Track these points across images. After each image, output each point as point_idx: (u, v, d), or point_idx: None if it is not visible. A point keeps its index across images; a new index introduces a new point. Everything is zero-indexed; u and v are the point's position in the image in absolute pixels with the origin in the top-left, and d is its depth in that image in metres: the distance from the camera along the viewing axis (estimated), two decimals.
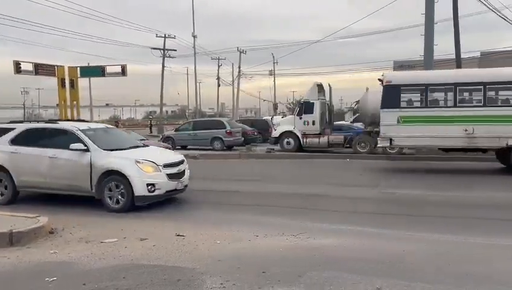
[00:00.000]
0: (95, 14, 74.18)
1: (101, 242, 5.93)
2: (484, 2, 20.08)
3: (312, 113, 20.02)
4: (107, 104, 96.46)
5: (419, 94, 13.05)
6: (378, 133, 18.10)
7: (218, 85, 53.74)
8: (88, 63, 30.09)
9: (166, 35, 43.78)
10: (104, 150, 8.36)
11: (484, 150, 13.10)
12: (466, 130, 11.99)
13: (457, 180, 11.55)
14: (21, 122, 10.89)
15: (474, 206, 8.28)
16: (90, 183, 8.22)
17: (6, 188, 8.92)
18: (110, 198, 8.12)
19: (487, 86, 12.07)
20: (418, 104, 13.06)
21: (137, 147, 9.54)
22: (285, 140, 20.11)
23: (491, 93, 12.37)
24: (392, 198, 9.47)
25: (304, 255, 5.24)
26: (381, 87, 13.16)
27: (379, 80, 13.59)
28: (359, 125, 23.17)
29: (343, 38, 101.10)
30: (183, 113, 70.44)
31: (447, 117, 12.31)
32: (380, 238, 6.22)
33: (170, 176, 8.37)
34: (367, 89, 21.27)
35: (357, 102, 22.58)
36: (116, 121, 21.12)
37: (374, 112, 20.01)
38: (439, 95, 13.07)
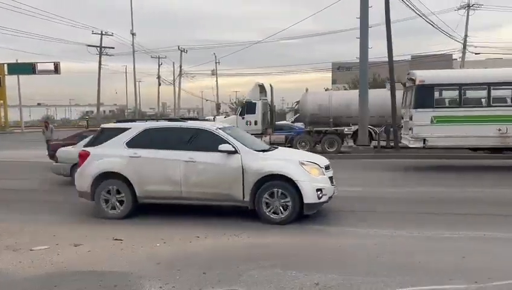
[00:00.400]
0: (25, 9, 69.57)
1: (31, 250, 5.57)
2: (413, 8, 21.39)
3: (254, 113, 20.20)
4: (38, 104, 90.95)
5: (452, 94, 12.94)
6: (318, 132, 18.86)
7: (159, 84, 52.69)
8: (16, 60, 28.22)
9: (104, 33, 42.16)
10: (255, 151, 7.21)
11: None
12: (500, 130, 12.10)
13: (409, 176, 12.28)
14: (133, 120, 8.78)
15: (423, 202, 8.65)
16: (243, 191, 6.91)
17: (121, 200, 7.30)
18: (267, 207, 6.82)
19: (497, 86, 12.53)
20: (452, 104, 12.93)
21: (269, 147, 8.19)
22: None
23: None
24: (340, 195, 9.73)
25: (246, 254, 5.26)
26: (323, 90, 13.49)
27: (410, 79, 13.38)
28: (300, 125, 23.77)
29: (286, 39, 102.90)
30: (122, 113, 68.20)
31: (481, 117, 12.24)
32: (322, 234, 6.40)
33: (331, 180, 7.23)
34: (306, 89, 21.87)
35: (297, 102, 23.10)
36: (45, 121, 19.72)
37: (313, 112, 20.67)
38: (473, 95, 12.99)
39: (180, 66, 52.43)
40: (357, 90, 20.05)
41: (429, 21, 27.41)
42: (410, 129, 12.84)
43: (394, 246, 5.65)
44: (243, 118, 20.41)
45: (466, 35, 34.58)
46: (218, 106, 55.58)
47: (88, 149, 7.63)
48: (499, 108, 12.39)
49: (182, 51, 50.95)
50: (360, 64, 19.29)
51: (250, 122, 20.08)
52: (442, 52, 38.94)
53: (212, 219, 7.31)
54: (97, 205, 7.38)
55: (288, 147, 19.48)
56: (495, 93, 12.61)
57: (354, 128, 19.24)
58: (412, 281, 4.27)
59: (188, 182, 7.07)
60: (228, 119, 23.62)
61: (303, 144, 18.70)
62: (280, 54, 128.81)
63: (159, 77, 52.42)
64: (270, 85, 21.67)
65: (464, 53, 35.23)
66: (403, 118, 14.28)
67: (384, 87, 20.31)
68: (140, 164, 7.23)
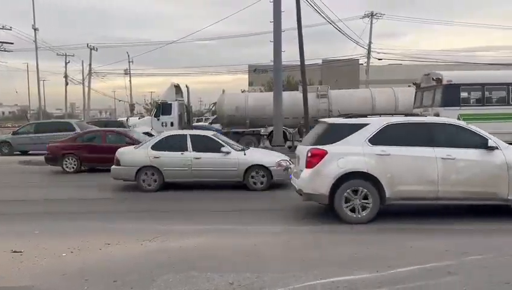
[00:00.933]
0: None
1: None
2: (322, 15, 22.50)
3: (170, 114, 19.84)
4: None
5: (477, 93, 13.73)
6: (235, 133, 19.02)
7: (66, 84, 49.18)
8: None
9: (1, 26, 38.36)
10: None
11: None
12: None
13: None
14: (364, 116, 7.49)
15: None
16: (508, 188, 6.59)
17: (365, 204, 6.65)
18: None
19: None
20: (476, 102, 13.75)
21: None
22: None
23: None
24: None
25: (159, 259, 5.12)
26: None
27: (434, 79, 13.75)
28: (217, 126, 23.79)
29: (201, 40, 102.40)
30: (24, 114, 62.65)
31: (502, 114, 13.24)
32: (235, 234, 6.44)
33: None
34: (223, 91, 21.97)
35: (214, 104, 23.09)
36: None
37: (230, 114, 20.80)
38: (494, 94, 14.01)
39: (90, 65, 49.54)
40: (272, 92, 20.59)
41: (337, 27, 29.11)
42: None
43: (305, 242, 5.90)
44: (158, 120, 19.96)
45: (370, 42, 37.25)
46: (132, 107, 53.50)
47: (324, 148, 6.80)
48: (502, 107, 13.51)
49: (91, 49, 48.16)
50: (274, 67, 19.81)
51: (165, 123, 19.68)
52: (350, 57, 41.50)
53: (124, 224, 7.02)
54: (338, 209, 6.71)
55: None
56: (505, 93, 13.72)
57: (269, 129, 19.72)
58: (322, 273, 4.48)
59: (447, 180, 6.64)
60: (143, 121, 22.93)
61: None
62: (197, 54, 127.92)
63: (66, 76, 48.96)
64: (186, 86, 21.44)
65: (368, 58, 37.90)
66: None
67: (298, 90, 21.11)
68: (391, 162, 6.66)
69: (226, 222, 7.13)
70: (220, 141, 10.35)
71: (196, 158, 9.99)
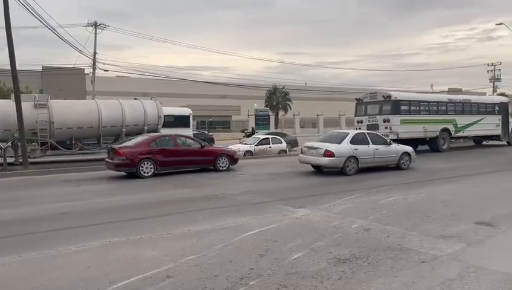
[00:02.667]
0: None
1: None
2: (38, 17, 20.36)
3: None
4: None
5: (410, 106, 21.46)
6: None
7: None
8: None
9: None
10: None
11: (425, 140, 22.10)
12: (424, 128, 21.32)
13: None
14: None
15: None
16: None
17: None
18: None
19: (430, 103, 22.45)
20: (410, 112, 21.32)
21: None
22: None
23: (433, 108, 22.29)
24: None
25: None
26: None
27: (385, 96, 21.11)
28: None
29: None
30: None
31: (426, 120, 21.71)
32: None
33: None
34: None
35: None
36: None
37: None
38: (421, 107, 21.96)
39: None
40: None
41: (57, 33, 26.94)
42: (389, 128, 20.18)
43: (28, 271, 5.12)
44: None
45: (95, 52, 36.16)
46: None
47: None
48: (423, 115, 21.67)
49: None
50: None
51: None
52: (74, 66, 39.17)
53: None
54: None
55: None
56: (423, 107, 21.98)
57: None
58: None
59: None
60: None
61: None
62: None
63: None
64: None
65: (94, 68, 36.71)
66: (358, 123, 22.12)
67: (9, 98, 18.39)
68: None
69: None
70: (383, 136, 15.75)
71: (376, 149, 14.48)
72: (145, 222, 7.73)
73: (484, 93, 52.68)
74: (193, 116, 28.79)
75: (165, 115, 22.03)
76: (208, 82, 53.86)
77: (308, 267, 5.09)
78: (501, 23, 41.51)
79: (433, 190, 10.83)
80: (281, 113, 51.31)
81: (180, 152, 14.70)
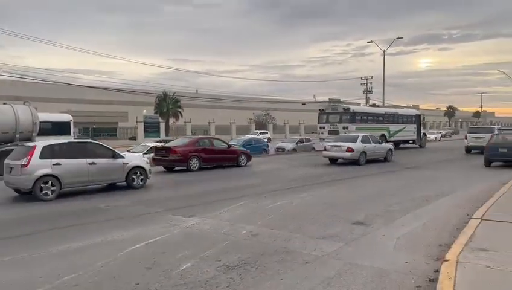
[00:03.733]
0: None
1: None
2: None
3: None
4: None
5: (363, 116, 27.82)
6: None
7: None
8: None
9: None
10: None
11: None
12: (370, 134, 22.47)
13: None
14: None
15: None
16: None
17: None
18: None
19: (374, 115, 29.30)
20: (362, 121, 27.40)
21: None
22: None
23: (376, 118, 28.89)
24: None
25: None
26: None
27: (345, 108, 27.42)
28: None
29: None
30: None
31: (375, 127, 27.32)
32: None
33: None
34: None
35: None
36: None
37: None
38: (370, 118, 28.57)
39: None
40: None
41: None
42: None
43: None
44: None
45: None
46: None
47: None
48: (370, 124, 27.70)
49: None
50: None
51: None
52: None
53: None
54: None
55: None
56: (370, 118, 28.59)
57: None
58: None
59: None
60: None
61: None
62: None
63: None
64: None
65: None
66: (321, 128, 27.51)
67: None
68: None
69: None
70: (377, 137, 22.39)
71: (375, 146, 20.32)
72: (13, 242, 6.91)
73: (361, 104, 58.26)
74: (74, 122, 26.72)
75: (41, 122, 20.03)
76: (91, 86, 50.54)
77: (197, 277, 5.03)
78: (372, 41, 46.14)
79: (319, 192, 11.57)
80: (171, 120, 50.38)
81: (215, 151, 18.56)
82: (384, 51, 44.11)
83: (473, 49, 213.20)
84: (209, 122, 54.45)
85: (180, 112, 51.65)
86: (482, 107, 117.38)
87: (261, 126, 60.21)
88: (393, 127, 29.80)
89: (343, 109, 27.43)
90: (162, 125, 46.84)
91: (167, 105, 50.11)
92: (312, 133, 45.04)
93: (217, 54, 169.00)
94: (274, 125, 64.15)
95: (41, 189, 10.65)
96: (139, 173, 12.68)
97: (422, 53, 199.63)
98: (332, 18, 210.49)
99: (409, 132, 31.50)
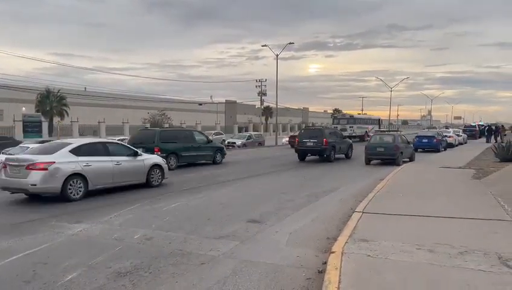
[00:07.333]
0: None
1: None
2: None
3: None
4: None
5: (354, 120, 45.69)
6: None
7: None
8: None
9: None
10: None
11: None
12: (361, 131, 45.16)
13: None
14: None
15: None
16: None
17: None
18: None
19: (362, 119, 49.51)
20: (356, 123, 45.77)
21: None
22: None
23: (361, 121, 48.15)
24: None
25: None
26: None
27: (351, 115, 47.60)
28: None
29: None
30: None
31: (360, 127, 46.05)
32: None
33: None
34: None
35: None
36: None
37: None
38: (357, 121, 46.51)
39: None
40: None
41: None
42: (352, 130, 43.26)
43: None
44: None
45: None
46: None
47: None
48: (361, 125, 46.82)
49: None
50: None
51: None
52: None
53: None
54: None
55: None
56: (361, 121, 47.97)
57: None
58: None
59: None
60: None
61: None
62: None
63: None
64: None
65: None
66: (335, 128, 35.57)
67: None
68: None
69: None
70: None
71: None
72: None
73: (256, 106, 59.74)
74: None
75: None
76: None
77: (85, 287, 4.67)
78: (265, 45, 47.52)
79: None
80: (56, 119, 46.24)
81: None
82: (277, 55, 45.82)
83: (355, 56, 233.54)
84: (99, 122, 51.27)
85: (65, 110, 47.68)
86: (363, 110, 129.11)
87: (157, 126, 58.55)
88: (369, 126, 47.96)
89: (349, 116, 46.89)
90: (45, 125, 42.81)
91: (50, 103, 45.88)
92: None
93: (107, 51, 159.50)
94: (170, 125, 62.84)
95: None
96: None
97: (311, 58, 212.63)
98: (227, 21, 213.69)
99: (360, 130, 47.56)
